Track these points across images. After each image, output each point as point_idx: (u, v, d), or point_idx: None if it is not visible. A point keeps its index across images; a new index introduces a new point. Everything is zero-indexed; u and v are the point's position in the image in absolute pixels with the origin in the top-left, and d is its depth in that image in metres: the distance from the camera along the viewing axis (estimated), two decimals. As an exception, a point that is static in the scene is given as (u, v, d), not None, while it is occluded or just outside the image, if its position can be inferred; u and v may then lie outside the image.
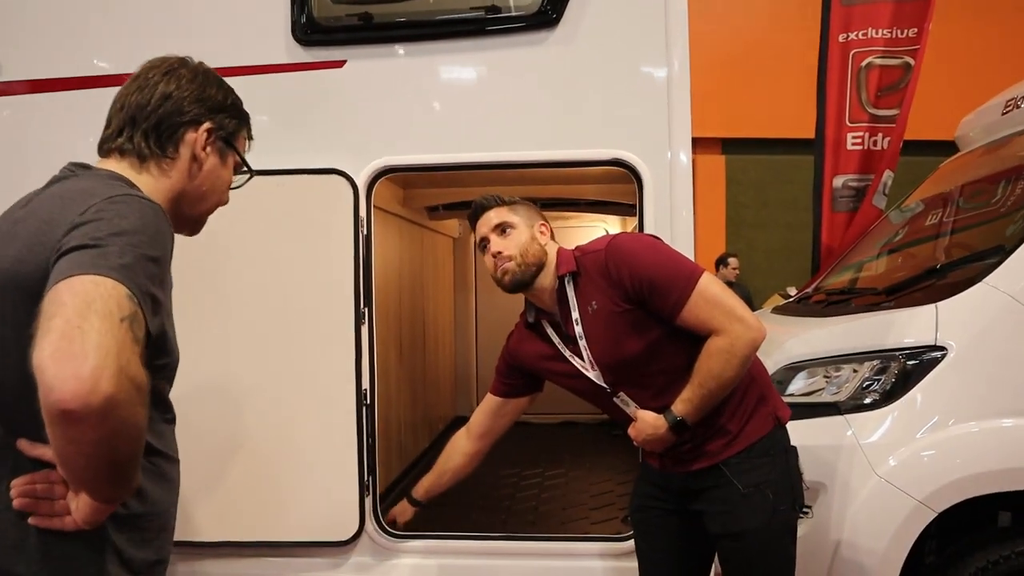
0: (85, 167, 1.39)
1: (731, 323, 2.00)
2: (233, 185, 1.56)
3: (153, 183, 1.40)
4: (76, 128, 2.34)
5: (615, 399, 2.20)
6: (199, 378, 2.47)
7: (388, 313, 4.23)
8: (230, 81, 1.56)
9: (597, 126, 3.05)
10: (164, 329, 1.26)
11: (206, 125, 1.44)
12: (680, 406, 2.07)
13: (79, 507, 1.18)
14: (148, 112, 1.40)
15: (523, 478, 4.58)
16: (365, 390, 3.12)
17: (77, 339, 0.99)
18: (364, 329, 3.15)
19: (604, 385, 2.19)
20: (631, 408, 2.19)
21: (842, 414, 2.58)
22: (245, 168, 1.56)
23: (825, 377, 2.69)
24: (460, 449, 2.59)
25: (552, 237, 2.29)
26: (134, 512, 1.28)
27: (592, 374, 2.19)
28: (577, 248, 2.28)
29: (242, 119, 1.54)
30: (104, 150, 1.44)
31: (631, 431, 2.19)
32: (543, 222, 2.28)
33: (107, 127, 1.44)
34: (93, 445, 1.03)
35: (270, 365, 3.13)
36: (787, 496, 2.13)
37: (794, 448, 2.21)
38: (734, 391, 2.10)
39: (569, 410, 6.06)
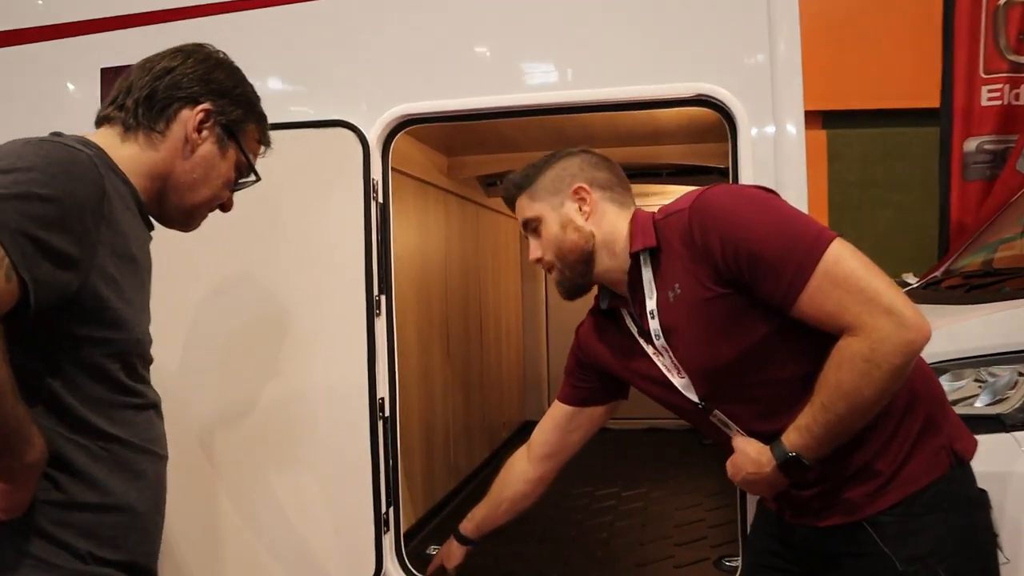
0: (58, 133, 1.28)
1: (874, 316, 1.33)
2: (234, 187, 1.46)
3: (137, 153, 1.33)
4: None
5: (711, 418, 1.60)
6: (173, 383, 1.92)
7: (430, 304, 3.57)
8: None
9: (682, 59, 2.33)
10: (97, 292, 1.16)
11: (203, 105, 1.36)
12: (795, 436, 1.43)
13: None
14: (144, 82, 1.35)
15: (595, 499, 3.85)
16: (381, 399, 2.47)
17: None
18: (380, 323, 2.49)
19: (695, 399, 1.58)
20: (732, 431, 1.58)
21: (1008, 430, 2.02)
22: (251, 172, 1.47)
23: (978, 381, 2.14)
24: (519, 474, 2.07)
25: (607, 201, 1.67)
26: (79, 501, 1.19)
27: (679, 382, 1.60)
28: (661, 209, 1.61)
29: (250, 113, 1.43)
30: (96, 122, 1.39)
31: (728, 466, 1.57)
32: (578, 185, 1.66)
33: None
34: None
35: (263, 370, 2.52)
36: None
37: (983, 497, 1.48)
38: (884, 415, 1.41)
39: (656, 413, 5.31)
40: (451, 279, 3.90)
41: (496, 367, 4.83)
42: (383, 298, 2.52)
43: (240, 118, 1.41)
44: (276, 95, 2.60)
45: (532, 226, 1.72)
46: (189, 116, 1.35)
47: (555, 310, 5.60)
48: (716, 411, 1.58)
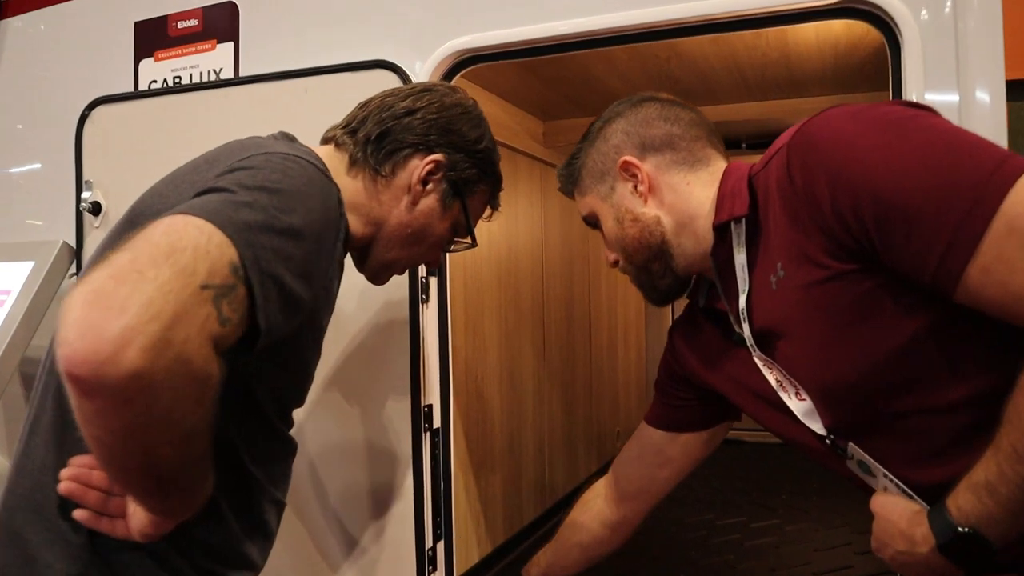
0: (289, 137, 1.24)
1: None
2: (449, 248, 1.45)
3: (360, 191, 1.26)
4: None
5: (847, 461, 1.11)
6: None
7: (518, 295, 3.05)
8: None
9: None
10: (301, 340, 1.11)
11: (435, 156, 1.27)
12: (967, 499, 0.90)
13: (134, 511, 0.98)
14: (382, 118, 1.27)
15: (715, 530, 3.21)
16: (428, 407, 1.99)
17: (127, 284, 0.73)
18: (427, 312, 2.01)
19: (820, 431, 1.10)
20: (878, 480, 1.06)
21: None
22: (469, 237, 1.43)
23: None
24: (595, 515, 1.72)
25: (673, 166, 1.25)
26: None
27: (798, 406, 1.10)
28: (765, 155, 1.13)
29: (486, 173, 1.36)
30: (324, 138, 1.34)
31: (872, 539, 1.04)
32: (624, 159, 1.26)
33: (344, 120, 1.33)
34: (113, 433, 0.77)
35: None
36: None
37: None
38: None
39: (797, 426, 4.58)
40: (549, 266, 3.37)
41: (609, 368, 4.25)
42: (432, 281, 2.03)
43: (473, 178, 1.33)
44: (312, 40, 2.17)
45: (594, 224, 1.43)
46: (418, 165, 1.26)
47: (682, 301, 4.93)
48: (852, 448, 1.06)
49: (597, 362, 4.01)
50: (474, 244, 1.44)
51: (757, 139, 3.55)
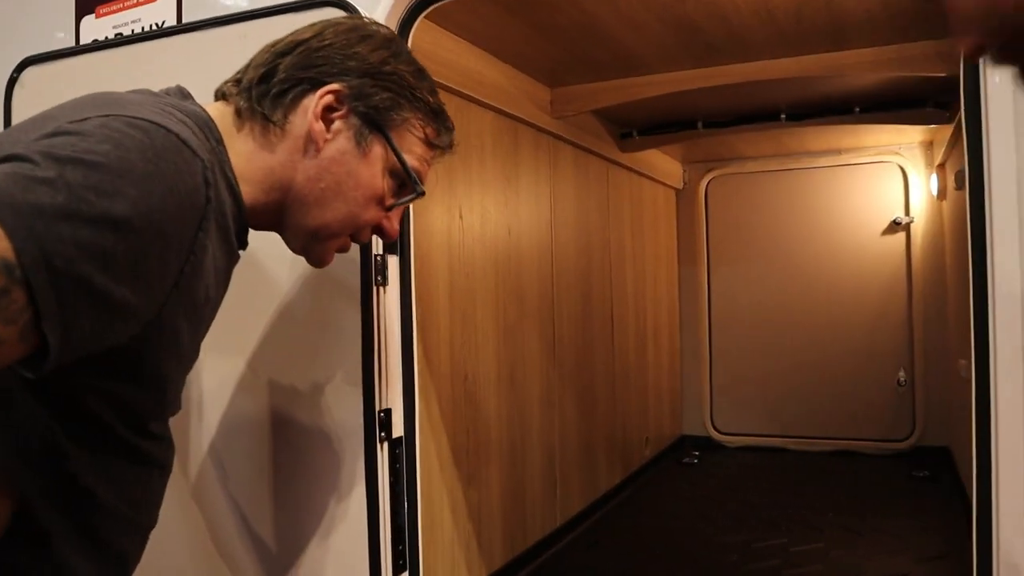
0: (184, 94, 1.02)
1: None
2: (392, 202, 1.12)
3: (252, 151, 1.02)
4: None
5: None
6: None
7: (520, 288, 2.68)
8: None
9: None
10: (143, 349, 0.87)
11: (331, 86, 1.01)
12: None
13: None
14: (265, 59, 1.04)
15: (750, 555, 2.80)
16: (385, 412, 1.67)
17: None
18: (387, 297, 1.69)
19: None
20: None
21: None
22: (410, 182, 1.11)
23: None
24: None
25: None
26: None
27: None
28: None
29: (405, 97, 1.07)
30: (215, 92, 1.09)
31: None
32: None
33: None
34: None
35: (223, 363, 1.79)
36: None
37: None
38: None
39: (848, 433, 4.14)
40: (561, 254, 3.00)
41: (638, 370, 3.85)
42: (392, 260, 1.69)
43: (388, 103, 1.04)
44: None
45: None
46: (312, 101, 1.02)
47: (720, 299, 4.52)
48: None
49: (622, 363, 3.63)
50: (419, 191, 1.14)
51: (799, 109, 3.13)
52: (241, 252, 1.10)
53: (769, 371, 4.35)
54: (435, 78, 2.17)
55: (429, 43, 2.11)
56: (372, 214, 1.11)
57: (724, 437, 4.47)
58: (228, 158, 1.00)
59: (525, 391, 2.69)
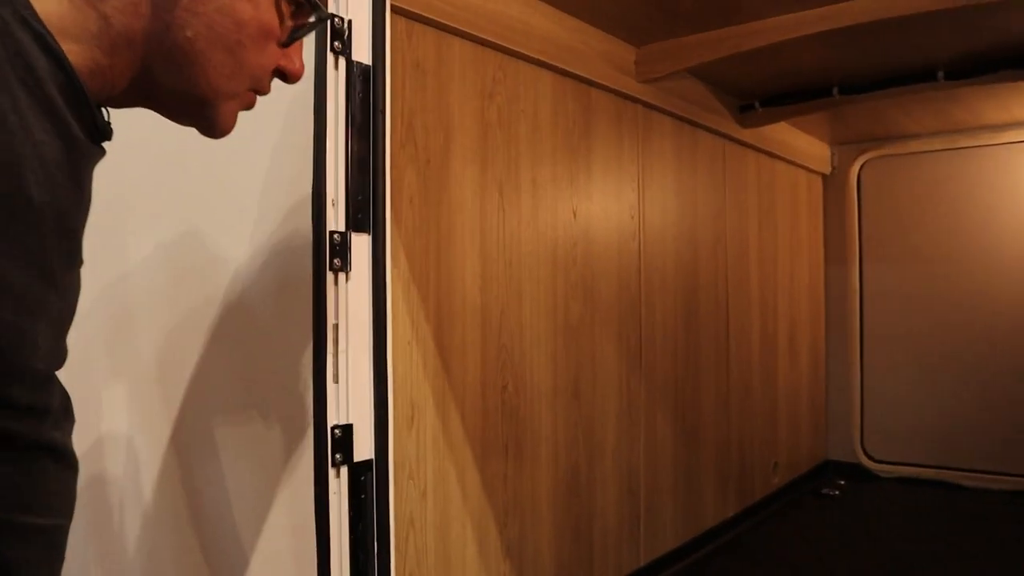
0: None
1: None
2: (289, 35, 0.81)
3: (61, 10, 0.69)
4: None
5: None
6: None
7: (590, 277, 2.26)
8: None
9: None
10: None
11: None
12: None
13: None
14: None
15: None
16: (343, 428, 1.33)
17: None
18: (346, 287, 1.36)
19: None
20: None
21: None
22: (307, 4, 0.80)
23: None
24: None
25: None
26: None
27: None
28: None
29: None
30: None
31: None
32: None
33: None
34: None
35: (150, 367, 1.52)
36: None
37: None
38: None
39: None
40: (651, 244, 2.54)
41: (764, 382, 3.30)
42: (360, 240, 1.35)
43: None
44: None
45: None
46: None
47: (875, 302, 3.84)
48: None
49: (741, 374, 3.10)
50: (322, 20, 0.85)
51: (961, 63, 2.49)
52: (103, 144, 0.79)
53: (934, 388, 3.63)
54: (466, 28, 1.80)
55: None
56: (266, 57, 0.82)
57: (876, 465, 3.78)
58: (29, 3, 0.69)
59: (595, 405, 2.26)
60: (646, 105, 2.47)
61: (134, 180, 1.71)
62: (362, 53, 1.38)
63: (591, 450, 2.23)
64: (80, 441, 1.65)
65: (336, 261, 1.31)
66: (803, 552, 2.83)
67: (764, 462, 3.28)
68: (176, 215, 1.58)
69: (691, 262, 2.76)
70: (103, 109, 0.79)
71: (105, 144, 0.78)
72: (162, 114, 0.83)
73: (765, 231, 3.32)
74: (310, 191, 1.32)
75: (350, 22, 1.35)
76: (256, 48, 0.79)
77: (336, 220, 1.33)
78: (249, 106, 0.85)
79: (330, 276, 1.31)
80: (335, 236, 1.32)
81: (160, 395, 1.58)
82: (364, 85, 1.38)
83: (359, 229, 1.36)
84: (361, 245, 1.36)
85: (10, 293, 0.71)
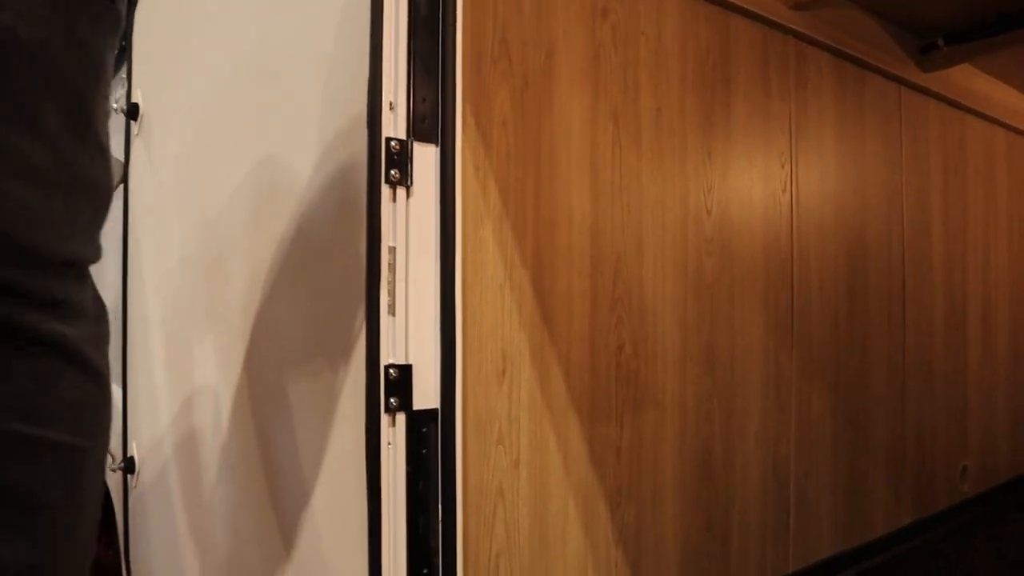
0: None
1: None
2: None
3: None
4: None
5: None
6: None
7: (728, 241, 1.96)
8: None
9: None
10: None
11: None
12: None
13: None
14: None
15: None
16: (401, 369, 1.14)
17: None
18: (410, 203, 1.19)
19: None
20: None
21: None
22: None
23: None
24: None
25: None
26: None
27: None
28: None
29: None
30: None
31: None
32: None
33: None
34: None
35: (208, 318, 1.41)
36: None
37: None
38: None
39: None
40: (806, 205, 2.19)
41: (948, 372, 2.82)
42: (424, 150, 1.17)
43: None
44: None
45: None
46: None
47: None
48: None
49: (920, 361, 2.65)
50: None
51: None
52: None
53: None
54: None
55: None
56: None
57: (1098, 478, 3.18)
58: None
59: (734, 377, 1.95)
60: (799, 37, 2.13)
61: (212, 105, 1.61)
62: (429, -66, 1.19)
63: (728, 428, 1.93)
64: (176, 396, 1.54)
65: (394, 173, 1.13)
66: (999, 569, 2.36)
67: (949, 465, 2.80)
68: (255, 145, 1.46)
69: (857, 226, 2.37)
70: None
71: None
72: None
73: (952, 197, 2.84)
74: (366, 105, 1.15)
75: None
76: None
77: (394, 126, 1.15)
78: None
79: (386, 190, 1.13)
80: (393, 144, 1.13)
81: (240, 343, 1.46)
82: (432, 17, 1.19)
83: (423, 139, 1.17)
84: (426, 156, 1.17)
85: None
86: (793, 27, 2.08)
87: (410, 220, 1.15)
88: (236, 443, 1.49)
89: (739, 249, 1.97)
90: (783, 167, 2.10)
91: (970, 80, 2.85)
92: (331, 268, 1.24)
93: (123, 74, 1.87)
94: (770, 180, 2.06)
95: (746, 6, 1.95)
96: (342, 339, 1.21)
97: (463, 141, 1.44)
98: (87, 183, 0.67)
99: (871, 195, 2.44)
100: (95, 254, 0.69)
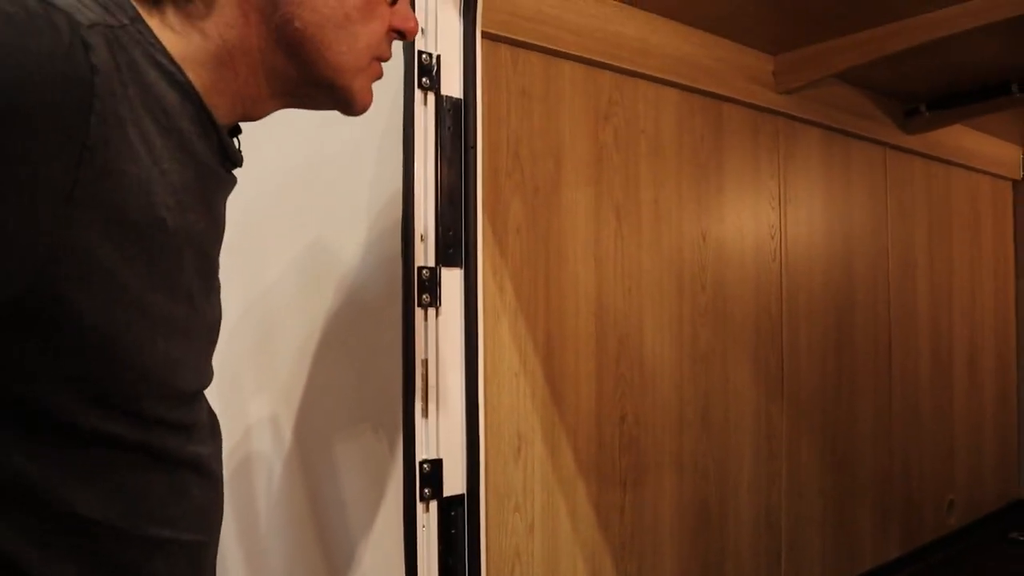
0: None
1: None
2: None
3: (182, 23, 0.71)
4: None
5: None
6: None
7: (722, 296, 2.15)
8: None
9: None
10: (58, 294, 0.60)
11: None
12: None
13: None
14: None
15: None
16: (434, 464, 1.36)
17: None
18: (440, 321, 1.39)
19: None
20: None
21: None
22: None
23: None
24: None
25: None
26: None
27: None
28: None
29: None
30: None
31: None
32: None
33: None
34: None
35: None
36: None
37: None
38: None
39: None
40: (796, 266, 2.38)
41: (934, 411, 3.00)
42: (451, 274, 1.35)
43: None
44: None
45: None
46: None
47: None
48: None
49: (906, 402, 2.83)
50: None
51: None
52: (234, 171, 0.84)
53: None
54: (577, 51, 1.76)
55: (555, 4, 1.71)
56: (377, 22, 0.84)
57: (1080, 507, 3.35)
58: (155, 39, 0.73)
59: (728, 435, 2.14)
60: (788, 117, 2.32)
61: (264, 202, 1.81)
62: (452, 87, 1.39)
63: (723, 483, 2.12)
64: (231, 457, 1.74)
65: (425, 297, 1.32)
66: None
67: (936, 499, 2.98)
68: (302, 231, 1.64)
69: (844, 281, 2.56)
70: (235, 139, 0.83)
71: (236, 172, 0.83)
72: (301, 107, 0.86)
73: (937, 245, 3.02)
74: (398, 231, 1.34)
75: (439, 57, 1.36)
76: (364, 17, 0.81)
77: (425, 255, 1.34)
78: (377, 76, 0.87)
79: (419, 312, 1.32)
80: (424, 272, 1.33)
81: (291, 408, 1.65)
82: (455, 119, 1.39)
83: (449, 264, 1.36)
84: (452, 280, 1.36)
85: (156, 317, 0.75)
86: (781, 110, 2.27)
87: (440, 336, 1.34)
88: (289, 499, 1.68)
89: (731, 318, 2.15)
90: (772, 238, 2.29)
91: (953, 136, 3.03)
92: (382, 357, 1.43)
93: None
94: (761, 252, 2.25)
95: (736, 96, 2.14)
96: (389, 419, 1.40)
97: (483, 251, 1.64)
98: (211, 325, 0.86)
99: (858, 251, 2.62)
100: (211, 379, 0.89)
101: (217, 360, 1.83)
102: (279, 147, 1.74)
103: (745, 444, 2.19)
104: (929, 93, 2.67)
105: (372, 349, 1.41)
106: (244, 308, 1.83)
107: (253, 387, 1.80)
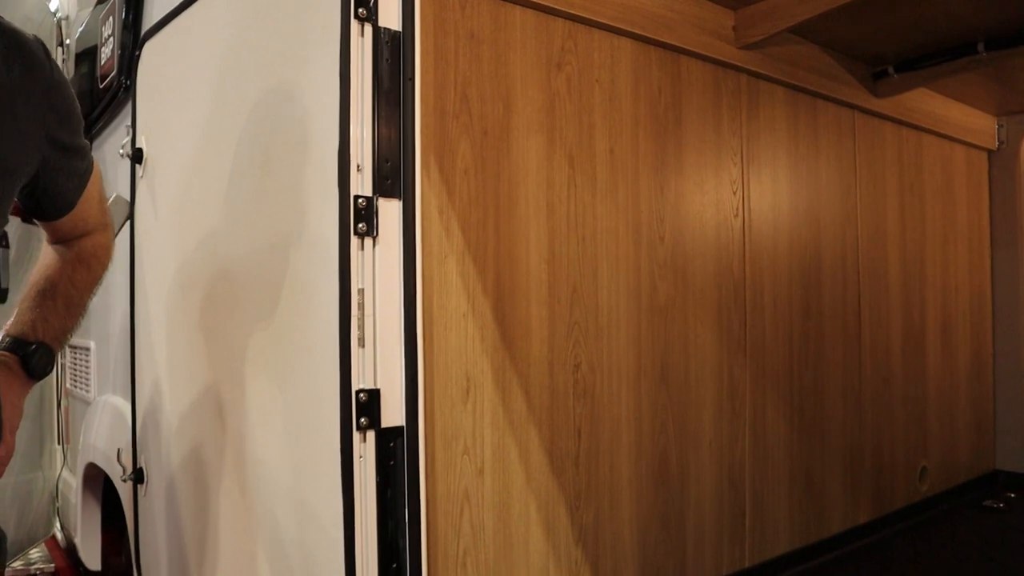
0: None
1: None
2: None
3: None
4: None
5: None
6: None
7: (681, 257, 2.14)
8: None
9: None
10: None
11: None
12: None
13: None
14: None
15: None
16: (370, 393, 1.35)
17: None
18: (376, 252, 1.37)
19: None
20: None
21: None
22: None
23: None
24: None
25: None
26: None
27: None
28: None
29: None
30: None
31: None
32: None
33: None
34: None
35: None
36: None
37: None
38: None
39: None
40: (760, 224, 2.37)
41: (906, 378, 3.00)
42: (388, 205, 1.35)
43: None
44: None
45: None
46: None
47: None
48: None
49: (877, 368, 2.83)
50: None
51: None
52: None
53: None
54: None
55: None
56: None
57: (1056, 477, 3.35)
58: None
59: (688, 391, 2.13)
60: (751, 74, 2.32)
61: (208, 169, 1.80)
62: (391, 19, 1.38)
63: (683, 438, 2.11)
64: (177, 409, 1.71)
65: (361, 226, 1.32)
66: (950, 567, 2.54)
67: (908, 467, 2.98)
68: (246, 162, 1.64)
69: (811, 244, 2.55)
70: None
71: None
72: None
73: (910, 213, 3.02)
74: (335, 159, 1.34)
75: (370, -18, 1.35)
76: None
77: (361, 184, 1.34)
78: None
79: (355, 240, 1.32)
80: (360, 200, 1.33)
81: (235, 362, 1.64)
82: (393, 51, 1.38)
83: (387, 194, 1.36)
84: (390, 211, 1.36)
85: None
86: (744, 66, 2.26)
87: (377, 265, 1.33)
88: (231, 453, 1.68)
89: (691, 273, 2.15)
90: (734, 194, 2.28)
91: (925, 101, 3.03)
92: (315, 305, 1.42)
93: (127, 122, 2.06)
94: (722, 208, 2.25)
95: (696, 49, 2.13)
96: (323, 366, 1.40)
97: (428, 189, 1.63)
98: None
99: (826, 215, 2.62)
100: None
101: (173, 314, 1.82)
102: (223, 82, 1.74)
103: (707, 400, 2.18)
104: (897, 55, 2.67)
105: (312, 280, 1.40)
106: (198, 240, 1.82)
107: (203, 337, 1.79)
